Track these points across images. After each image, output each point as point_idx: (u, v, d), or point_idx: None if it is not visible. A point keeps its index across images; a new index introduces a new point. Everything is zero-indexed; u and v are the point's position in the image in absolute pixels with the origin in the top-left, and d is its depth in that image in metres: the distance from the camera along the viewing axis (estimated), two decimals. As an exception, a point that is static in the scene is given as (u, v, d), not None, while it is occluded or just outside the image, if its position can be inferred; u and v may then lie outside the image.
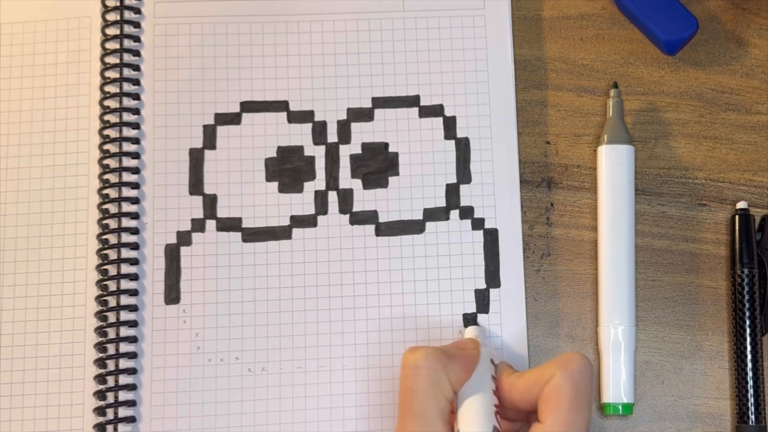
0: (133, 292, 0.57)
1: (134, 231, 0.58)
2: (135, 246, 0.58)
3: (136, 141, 0.59)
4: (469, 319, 0.58)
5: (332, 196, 0.59)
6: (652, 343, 0.58)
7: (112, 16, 0.61)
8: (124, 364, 0.57)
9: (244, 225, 0.59)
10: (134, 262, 0.58)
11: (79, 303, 0.58)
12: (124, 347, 0.57)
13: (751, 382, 0.56)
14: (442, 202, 0.59)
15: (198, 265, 0.58)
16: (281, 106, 0.60)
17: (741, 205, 0.59)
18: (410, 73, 0.61)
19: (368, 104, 0.60)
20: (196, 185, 0.59)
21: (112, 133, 0.59)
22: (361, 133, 0.60)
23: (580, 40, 0.62)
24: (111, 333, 0.57)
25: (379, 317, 0.58)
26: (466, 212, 0.59)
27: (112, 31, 0.61)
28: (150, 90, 0.60)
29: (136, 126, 0.59)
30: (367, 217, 0.59)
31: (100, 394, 0.56)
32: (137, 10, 0.61)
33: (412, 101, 0.60)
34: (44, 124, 0.60)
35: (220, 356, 0.57)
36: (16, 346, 0.57)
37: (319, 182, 0.59)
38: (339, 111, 0.60)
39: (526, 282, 0.59)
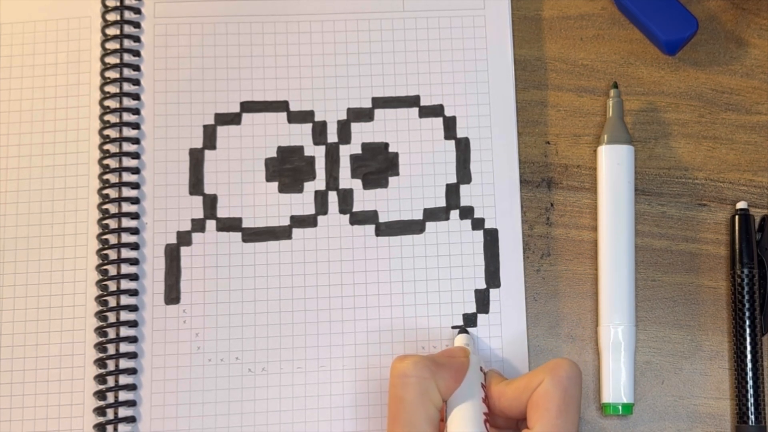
0: (133, 292, 0.57)
1: (134, 231, 0.58)
2: (135, 246, 0.58)
3: (136, 141, 0.59)
4: (462, 326, 0.58)
5: (332, 196, 0.59)
6: (652, 343, 0.58)
7: (112, 16, 0.61)
8: (124, 364, 0.57)
9: (244, 225, 0.59)
10: (134, 262, 0.58)
11: (79, 303, 0.58)
12: (124, 347, 0.57)
13: (751, 382, 0.56)
14: (442, 202, 0.59)
15: (198, 265, 0.58)
16: (281, 106, 0.60)
17: (741, 205, 0.59)
18: (410, 73, 0.61)
19: (368, 104, 0.60)
20: (196, 185, 0.59)
21: (112, 133, 0.59)
22: (361, 133, 0.60)
23: (580, 40, 0.62)
24: (111, 333, 0.57)
25: (379, 317, 0.58)
26: (466, 212, 0.59)
27: (112, 31, 0.60)
28: (150, 90, 0.60)
29: (136, 126, 0.59)
30: (367, 217, 0.59)
31: (100, 394, 0.56)
32: (137, 10, 0.61)
33: (412, 101, 0.60)
34: (44, 124, 0.60)
35: (220, 356, 0.57)
36: (16, 346, 0.57)
37: (319, 182, 0.59)
38: (339, 111, 0.60)
39: (526, 282, 0.59)
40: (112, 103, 0.60)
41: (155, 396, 0.56)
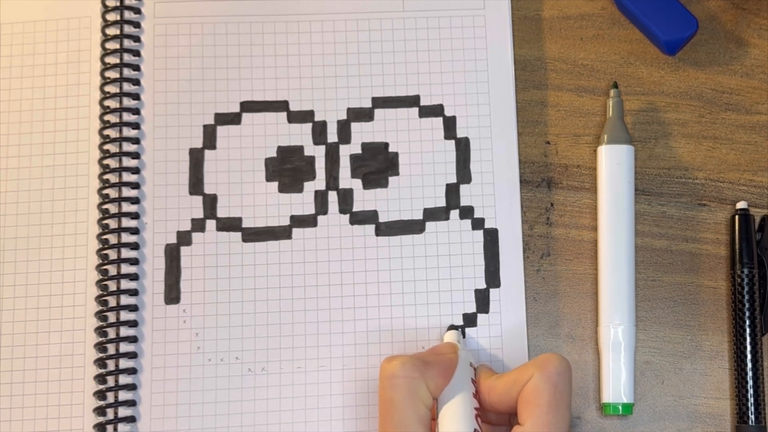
0: (133, 292, 0.57)
1: (134, 231, 0.58)
2: (135, 246, 0.58)
3: (136, 141, 0.59)
4: (452, 324, 0.58)
5: (332, 196, 0.59)
6: (652, 343, 0.58)
7: (112, 16, 0.61)
8: (124, 364, 0.57)
9: (244, 225, 0.59)
10: (134, 262, 0.58)
11: (79, 303, 0.58)
12: (124, 347, 0.57)
13: (751, 382, 0.56)
14: (442, 202, 0.59)
15: (198, 265, 0.58)
16: (281, 106, 0.60)
17: (741, 205, 0.59)
18: (410, 73, 0.61)
19: (368, 104, 0.60)
20: (196, 185, 0.59)
21: (112, 133, 0.59)
22: (361, 133, 0.60)
23: (580, 40, 0.62)
24: (111, 333, 0.57)
25: (379, 317, 0.58)
26: (466, 212, 0.59)
27: (112, 31, 0.61)
28: (150, 90, 0.60)
29: (136, 126, 0.59)
30: (367, 217, 0.59)
31: (100, 394, 0.56)
32: (137, 10, 0.61)
33: (412, 101, 0.60)
34: (44, 124, 0.60)
35: (220, 356, 0.57)
36: (16, 346, 0.57)
37: (319, 182, 0.59)
38: (339, 111, 0.60)
39: (526, 282, 0.59)
40: (112, 103, 0.60)
41: (155, 396, 0.56)
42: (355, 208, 0.59)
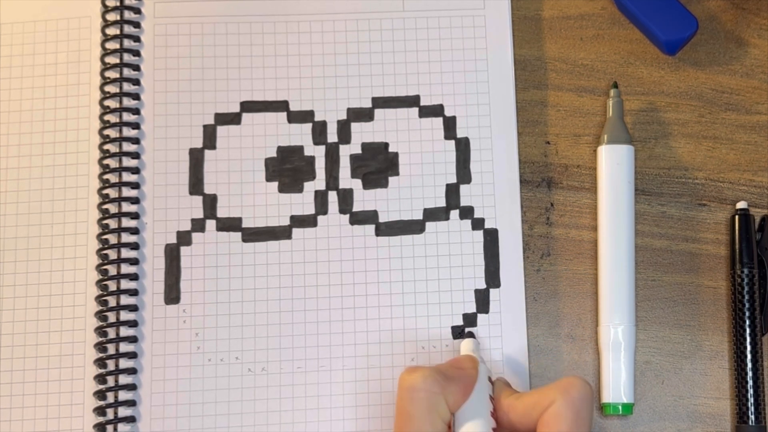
0: (133, 292, 0.57)
1: (134, 231, 0.58)
2: (135, 246, 0.58)
3: (136, 141, 0.59)
4: (464, 329, 0.57)
5: (332, 196, 0.59)
6: (652, 343, 0.58)
7: (112, 16, 0.61)
8: (124, 364, 0.57)
9: (244, 225, 0.59)
10: (134, 262, 0.58)
11: (79, 303, 0.58)
12: (124, 347, 0.57)
13: (751, 382, 0.56)
14: (442, 202, 0.59)
15: (198, 265, 0.58)
16: (281, 106, 0.60)
17: (741, 205, 0.59)
18: (410, 73, 0.61)
19: (368, 104, 0.60)
20: (196, 185, 0.59)
21: (112, 133, 0.59)
22: (361, 133, 0.60)
23: (580, 40, 0.62)
24: (111, 333, 0.57)
25: (379, 317, 0.58)
26: (466, 212, 0.59)
27: (112, 31, 0.61)
28: (150, 90, 0.60)
29: (136, 126, 0.59)
30: (367, 217, 0.59)
31: (100, 394, 0.56)
32: (137, 10, 0.61)
33: (412, 101, 0.60)
34: (44, 124, 0.60)
35: (220, 356, 0.57)
36: (16, 346, 0.57)
37: (319, 182, 0.59)
38: (339, 111, 0.60)
39: (526, 282, 0.59)
40: (112, 103, 0.60)
41: (155, 396, 0.56)
42: (355, 208, 0.59)
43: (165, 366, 0.57)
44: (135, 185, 0.59)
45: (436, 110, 0.60)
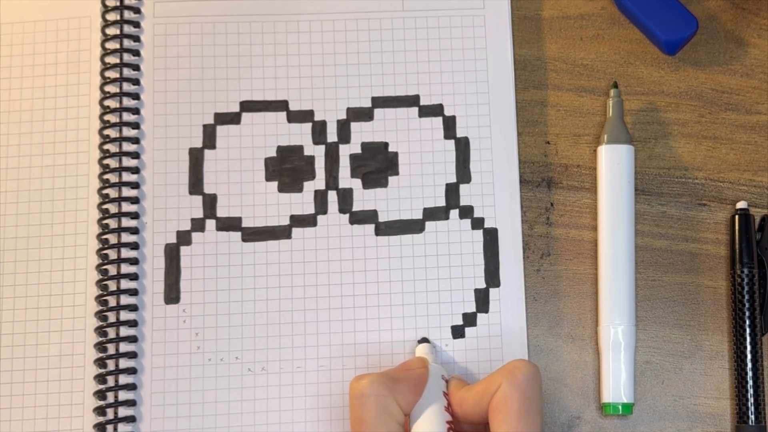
0: (133, 292, 0.57)
1: (134, 231, 0.58)
2: (135, 246, 0.58)
3: (136, 141, 0.59)
4: (424, 338, 0.57)
5: (332, 196, 0.59)
6: (652, 343, 0.58)
7: (112, 16, 0.61)
8: (124, 363, 0.57)
9: (244, 225, 0.59)
10: (134, 261, 0.58)
11: (79, 303, 0.58)
12: (124, 347, 0.57)
13: (751, 382, 0.56)
14: (441, 202, 0.59)
15: (198, 265, 0.58)
16: (281, 105, 0.60)
17: (741, 205, 0.59)
18: (410, 73, 0.61)
19: (368, 104, 0.60)
20: (195, 185, 0.59)
21: (112, 133, 0.59)
22: (361, 133, 0.60)
23: (580, 40, 0.62)
24: (111, 333, 0.57)
25: (378, 317, 0.58)
26: (466, 212, 0.59)
27: (112, 31, 0.61)
28: (150, 90, 0.60)
29: (136, 126, 0.59)
30: (367, 217, 0.59)
31: (100, 394, 0.56)
32: (137, 10, 0.61)
33: (411, 101, 0.60)
34: (44, 124, 0.60)
35: (220, 356, 0.57)
36: (16, 346, 0.57)
37: (319, 182, 0.59)
38: (339, 111, 0.60)
39: (526, 282, 0.59)
40: (112, 103, 0.60)
41: (155, 396, 0.56)
42: (354, 208, 0.59)
43: (165, 366, 0.57)
44: (135, 185, 0.59)
45: (435, 110, 0.60)
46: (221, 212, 0.59)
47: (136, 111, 0.60)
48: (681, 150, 0.61)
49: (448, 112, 0.60)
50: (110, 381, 0.56)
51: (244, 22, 0.61)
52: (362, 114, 0.60)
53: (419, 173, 0.59)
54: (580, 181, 0.60)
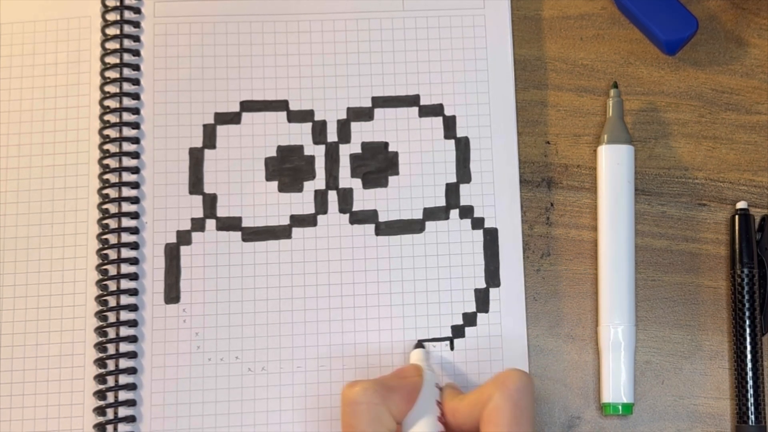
0: (133, 292, 0.57)
1: (134, 231, 0.58)
2: (135, 246, 0.58)
3: (136, 141, 0.59)
4: (419, 341, 0.57)
5: (332, 196, 0.59)
6: (652, 343, 0.58)
7: (112, 16, 0.61)
8: (124, 363, 0.57)
9: (244, 224, 0.59)
10: (134, 261, 0.58)
11: (79, 303, 0.58)
12: (124, 347, 0.57)
13: (751, 382, 0.56)
14: (441, 202, 0.59)
15: (198, 265, 0.58)
16: (281, 105, 0.60)
17: (741, 205, 0.59)
18: (410, 73, 0.61)
19: (368, 104, 0.60)
20: (196, 185, 0.59)
21: (112, 133, 0.59)
22: (361, 133, 0.60)
23: (580, 40, 0.62)
24: (111, 333, 0.57)
25: (378, 317, 0.58)
26: (466, 212, 0.59)
27: (112, 31, 0.61)
28: (150, 90, 0.60)
29: (136, 126, 0.59)
30: (367, 217, 0.59)
31: (100, 394, 0.56)
32: (137, 10, 0.61)
33: (411, 101, 0.60)
34: (44, 124, 0.60)
35: (220, 355, 0.57)
36: (16, 346, 0.57)
37: (319, 182, 0.59)
38: (339, 110, 0.60)
39: (526, 282, 0.59)
40: (112, 103, 0.60)
41: (155, 395, 0.56)
42: (354, 208, 0.59)
43: (165, 366, 0.57)
44: (135, 185, 0.59)
45: (435, 110, 0.60)
46: (221, 212, 0.59)
47: (136, 111, 0.60)
48: (681, 150, 0.61)
49: (448, 112, 0.60)
50: (110, 381, 0.56)
51: (244, 22, 0.61)
52: (362, 114, 0.60)
53: (419, 173, 0.59)
54: (580, 181, 0.60)
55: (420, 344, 0.57)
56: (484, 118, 0.60)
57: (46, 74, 0.60)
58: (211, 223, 0.59)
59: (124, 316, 0.57)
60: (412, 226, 0.59)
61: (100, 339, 0.57)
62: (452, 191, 0.59)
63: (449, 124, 0.60)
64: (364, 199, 0.59)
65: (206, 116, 0.60)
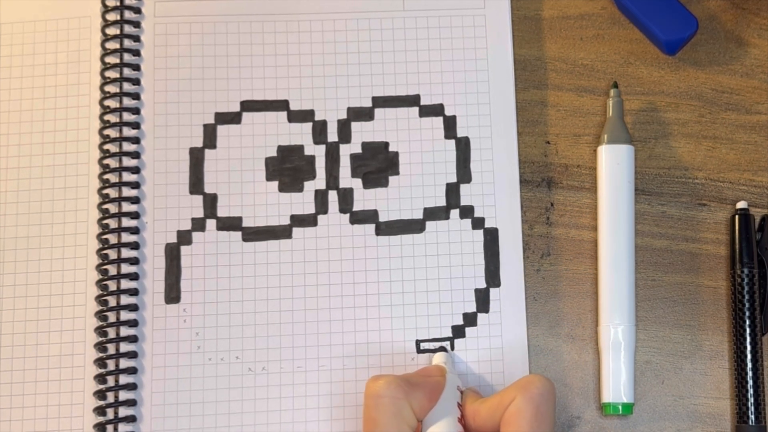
0: (134, 292, 0.57)
1: (134, 230, 0.58)
2: (135, 245, 0.58)
3: (136, 140, 0.59)
4: (442, 346, 0.57)
5: (332, 196, 0.59)
6: (652, 343, 0.58)
7: (112, 16, 0.61)
8: (124, 363, 0.57)
9: (245, 224, 0.59)
10: (134, 261, 0.58)
11: (79, 303, 0.58)
12: (124, 347, 0.57)
13: (751, 382, 0.56)
14: (442, 202, 0.59)
15: (198, 265, 0.58)
16: (281, 105, 0.60)
17: (741, 205, 0.59)
18: (410, 73, 0.61)
19: (368, 103, 0.60)
20: (196, 184, 0.59)
21: (112, 132, 0.59)
22: (362, 133, 0.60)
23: (580, 40, 0.62)
24: (111, 333, 0.57)
25: (379, 316, 0.58)
26: (466, 211, 0.59)
27: (112, 30, 0.61)
28: (150, 90, 0.60)
29: (136, 126, 0.59)
30: (368, 217, 0.59)
31: (100, 394, 0.56)
32: (137, 10, 0.61)
33: (412, 100, 0.60)
34: (44, 124, 0.60)
35: (220, 355, 0.57)
36: (16, 346, 0.57)
37: (320, 181, 0.59)
38: (339, 110, 0.60)
39: (526, 282, 0.59)
40: (112, 103, 0.60)
41: (155, 395, 0.56)
42: (355, 208, 0.59)
43: (165, 365, 0.57)
44: (135, 185, 0.59)
45: (436, 110, 0.60)
46: (221, 212, 0.59)
47: (136, 111, 0.60)
48: (681, 150, 0.61)
49: (448, 112, 0.60)
50: (110, 381, 0.56)
51: (244, 22, 0.61)
52: (363, 114, 0.60)
53: (420, 173, 0.59)
54: (580, 181, 0.60)
55: (443, 348, 0.57)
56: (485, 118, 0.60)
57: (46, 74, 0.60)
58: (211, 223, 0.59)
59: (125, 316, 0.57)
60: (413, 226, 0.59)
61: (100, 339, 0.57)
62: (452, 191, 0.59)
63: (449, 124, 0.60)
64: (364, 199, 0.59)
65: (206, 116, 0.60)
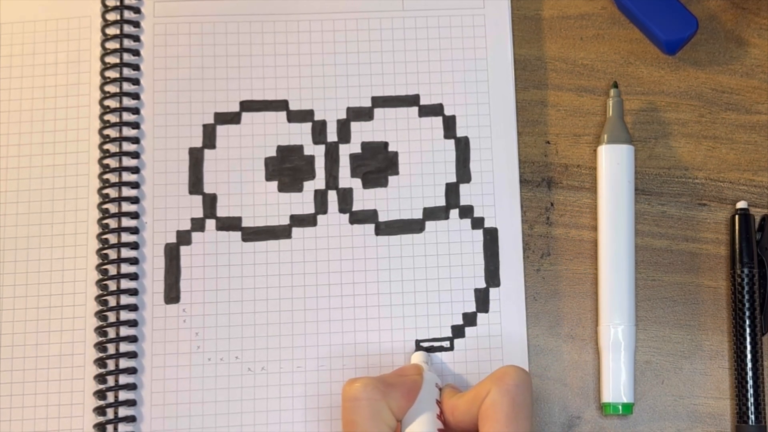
0: (133, 292, 0.57)
1: (134, 230, 0.58)
2: (135, 245, 0.58)
3: (136, 140, 0.59)
4: (421, 346, 0.58)
5: (332, 196, 0.59)
6: (652, 343, 0.58)
7: (112, 16, 0.61)
8: (124, 363, 0.57)
9: (244, 224, 0.59)
10: (134, 261, 0.58)
11: (79, 303, 0.58)
12: (124, 347, 0.57)
13: (751, 382, 0.56)
14: (441, 202, 0.59)
15: (198, 265, 0.58)
16: (281, 105, 0.60)
17: (741, 204, 0.59)
18: (410, 73, 0.61)
19: (368, 103, 0.60)
20: (195, 184, 0.59)
21: (112, 132, 0.59)
22: (361, 133, 0.60)
23: (580, 40, 0.62)
24: (111, 333, 0.57)
25: (378, 316, 0.58)
26: (466, 211, 0.59)
27: (112, 30, 0.61)
28: (150, 89, 0.60)
29: (136, 125, 0.59)
30: (367, 217, 0.59)
31: (100, 394, 0.56)
32: (137, 10, 0.61)
33: (411, 100, 0.60)
34: (44, 124, 0.60)
35: (220, 355, 0.57)
36: (16, 346, 0.57)
37: (319, 181, 0.59)
38: (339, 110, 0.60)
39: (526, 282, 0.59)
40: (112, 103, 0.60)
41: (155, 395, 0.56)
42: (354, 208, 0.59)
43: (165, 365, 0.57)
44: (135, 185, 0.59)
45: (435, 109, 0.60)
46: (221, 212, 0.59)
47: (136, 111, 0.60)
48: (681, 150, 0.61)
49: (448, 112, 0.60)
50: (110, 381, 0.56)
51: (244, 22, 0.61)
52: (362, 114, 0.60)
53: (419, 173, 0.59)
54: (580, 181, 0.60)
55: (420, 347, 0.57)
56: (484, 118, 0.60)
57: (46, 74, 0.60)
58: (211, 223, 0.59)
59: (124, 316, 0.57)
60: (412, 226, 0.59)
61: (100, 339, 0.57)
62: (452, 191, 0.59)
63: (449, 124, 0.60)
64: (364, 198, 0.59)
65: (206, 116, 0.60)
